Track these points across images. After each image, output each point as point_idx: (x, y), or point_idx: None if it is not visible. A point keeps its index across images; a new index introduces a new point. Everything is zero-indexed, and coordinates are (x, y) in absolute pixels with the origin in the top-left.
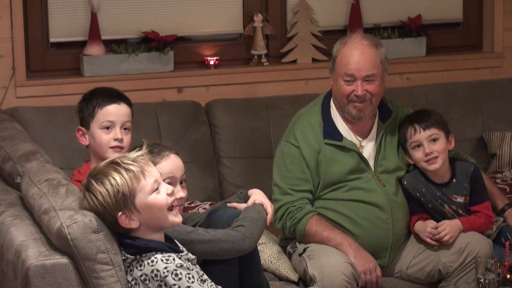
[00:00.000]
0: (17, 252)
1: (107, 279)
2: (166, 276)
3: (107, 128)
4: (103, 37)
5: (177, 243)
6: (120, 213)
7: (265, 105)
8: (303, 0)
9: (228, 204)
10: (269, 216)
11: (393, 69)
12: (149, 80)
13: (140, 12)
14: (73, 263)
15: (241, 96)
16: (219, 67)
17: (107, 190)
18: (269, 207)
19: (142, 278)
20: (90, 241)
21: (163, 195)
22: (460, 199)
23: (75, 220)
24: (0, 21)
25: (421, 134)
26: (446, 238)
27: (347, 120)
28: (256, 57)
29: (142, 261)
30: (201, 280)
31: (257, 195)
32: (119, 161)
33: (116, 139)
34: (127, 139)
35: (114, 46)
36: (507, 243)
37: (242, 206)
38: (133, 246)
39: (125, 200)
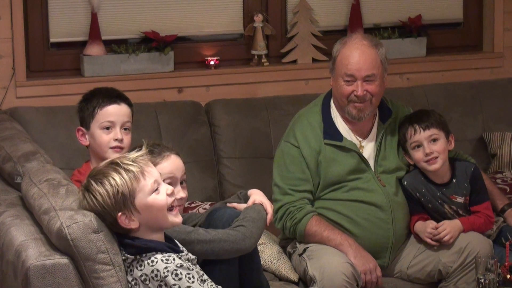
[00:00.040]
0: (17, 252)
1: (107, 279)
2: (166, 276)
3: (107, 128)
4: (103, 37)
5: (177, 243)
6: (119, 213)
7: (265, 105)
8: (303, 0)
9: (228, 204)
10: (269, 216)
11: (393, 69)
12: (149, 80)
13: (140, 12)
14: (73, 263)
15: (241, 96)
16: (219, 67)
17: (106, 190)
18: (269, 207)
19: (142, 278)
20: (90, 241)
21: (162, 196)
22: (460, 199)
23: (75, 220)
24: (0, 21)
25: (421, 134)
26: (446, 238)
27: (347, 120)
28: (256, 57)
29: (142, 261)
30: (201, 280)
31: (257, 195)
32: (119, 162)
33: (116, 140)
34: (127, 139)
35: (114, 46)
36: (507, 243)
37: (242, 206)
38: (133, 246)
39: (124, 200)
